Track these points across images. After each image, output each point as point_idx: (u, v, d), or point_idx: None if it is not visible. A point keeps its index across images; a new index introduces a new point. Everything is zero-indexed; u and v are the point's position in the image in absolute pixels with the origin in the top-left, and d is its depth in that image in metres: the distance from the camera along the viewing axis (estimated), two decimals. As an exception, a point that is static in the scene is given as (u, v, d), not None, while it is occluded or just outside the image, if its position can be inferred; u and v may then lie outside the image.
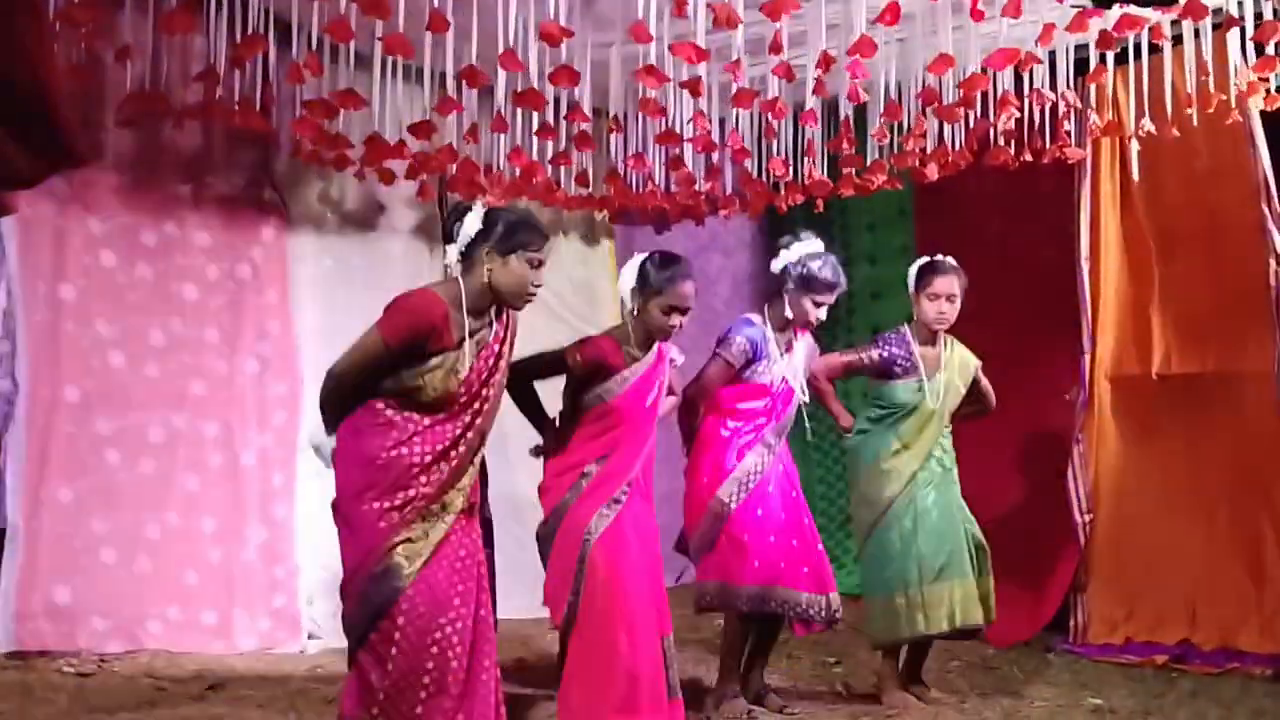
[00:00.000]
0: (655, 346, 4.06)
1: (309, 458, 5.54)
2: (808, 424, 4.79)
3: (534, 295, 3.40)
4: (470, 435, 3.33)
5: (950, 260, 4.79)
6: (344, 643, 3.36)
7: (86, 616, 5.02)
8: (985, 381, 4.94)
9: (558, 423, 4.05)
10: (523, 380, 3.90)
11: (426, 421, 3.27)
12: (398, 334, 3.25)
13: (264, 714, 4.29)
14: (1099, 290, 5.89)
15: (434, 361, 3.25)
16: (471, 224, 3.35)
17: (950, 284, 4.72)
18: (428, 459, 3.25)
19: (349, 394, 3.31)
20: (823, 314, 4.54)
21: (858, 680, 5.03)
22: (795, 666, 5.32)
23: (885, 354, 4.79)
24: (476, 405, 3.34)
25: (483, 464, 3.55)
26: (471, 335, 3.31)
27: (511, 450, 5.13)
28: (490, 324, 3.40)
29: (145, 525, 5.25)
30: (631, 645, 3.76)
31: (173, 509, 5.34)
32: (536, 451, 4.07)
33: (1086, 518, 5.83)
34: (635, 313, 4.02)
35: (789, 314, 4.55)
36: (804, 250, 4.53)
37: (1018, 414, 6.10)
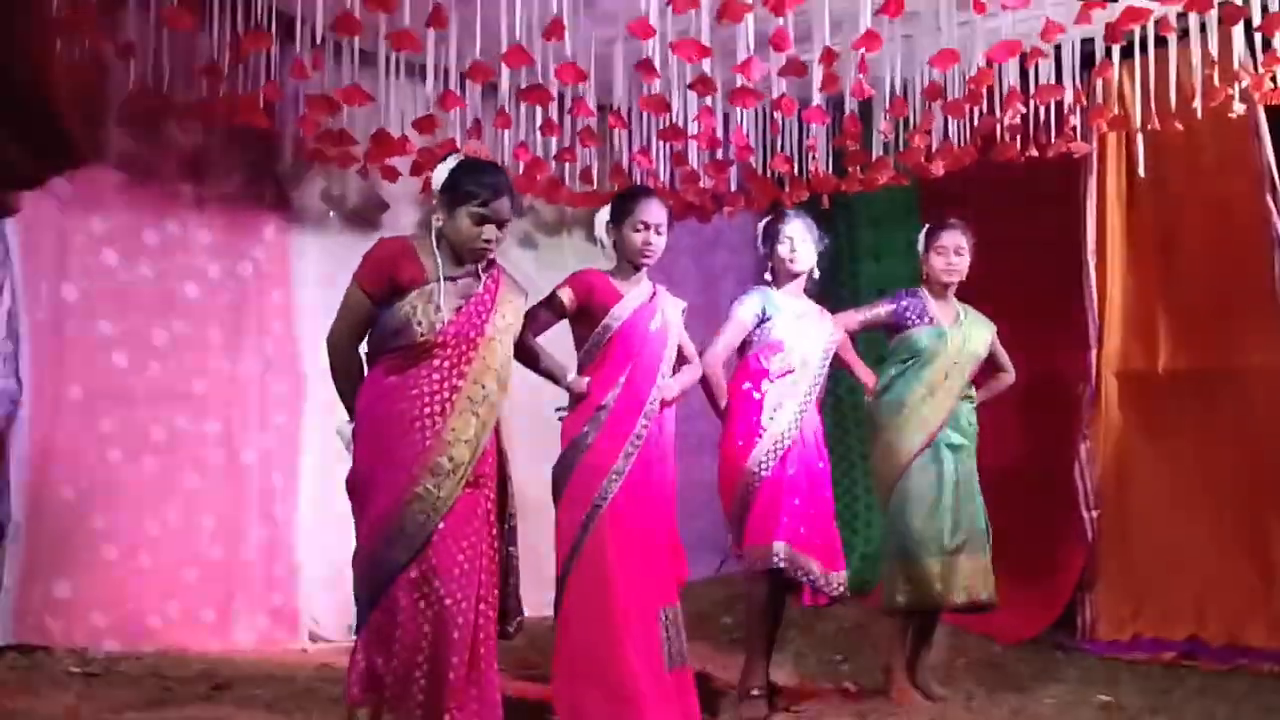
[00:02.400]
0: (647, 280, 4.09)
1: (311, 458, 5.64)
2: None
3: (486, 249, 3.42)
4: (465, 384, 3.38)
5: (955, 220, 4.86)
6: (349, 642, 3.38)
7: (86, 611, 5.08)
8: (1002, 350, 4.96)
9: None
10: (526, 341, 3.84)
11: (422, 373, 3.35)
12: (368, 277, 3.40)
13: (271, 714, 4.31)
14: (1105, 285, 5.92)
15: (412, 295, 3.35)
16: (437, 175, 3.47)
17: (956, 238, 4.80)
18: (425, 409, 3.33)
19: (348, 356, 3.45)
20: (799, 248, 4.55)
21: (865, 678, 5.04)
22: (802, 664, 5.33)
23: (896, 306, 4.83)
24: (467, 351, 3.39)
25: (502, 465, 3.58)
26: (449, 279, 3.39)
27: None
28: (477, 275, 3.46)
29: (146, 522, 5.31)
30: (622, 624, 3.79)
31: (173, 507, 5.40)
32: (562, 413, 4.08)
33: (1094, 514, 5.86)
34: (615, 245, 4.07)
35: (775, 269, 4.63)
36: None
37: (1024, 409, 6.15)
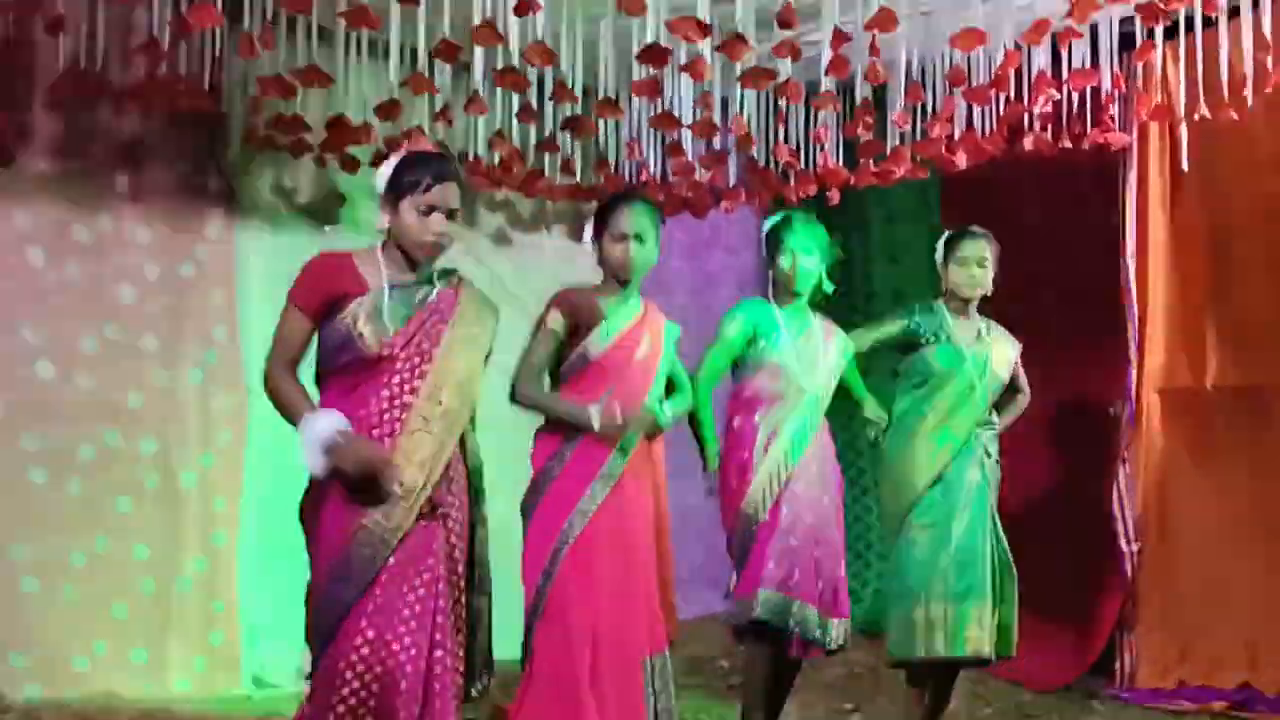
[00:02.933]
0: (636, 298, 4.05)
1: (256, 481, 5.63)
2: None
3: (436, 244, 3.38)
4: (417, 400, 3.34)
5: (978, 228, 4.85)
6: (299, 688, 3.38)
7: (3, 652, 5.05)
8: (1021, 369, 4.93)
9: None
10: (528, 392, 3.88)
11: (370, 389, 3.32)
12: (302, 293, 3.35)
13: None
14: (1146, 293, 5.93)
15: (353, 305, 3.31)
16: (379, 178, 3.45)
17: (980, 248, 4.78)
18: (372, 429, 3.30)
19: (288, 385, 3.36)
20: (803, 266, 4.50)
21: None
22: (809, 714, 5.34)
23: (909, 323, 4.83)
24: (421, 364, 3.36)
25: (474, 501, 3.58)
26: (396, 286, 3.36)
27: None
28: (430, 281, 3.44)
29: (71, 552, 5.28)
30: (584, 681, 3.75)
31: (102, 534, 5.37)
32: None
33: (1134, 547, 5.86)
34: (599, 259, 4.04)
35: (776, 282, 4.60)
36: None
37: (1057, 431, 6.19)
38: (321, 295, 3.34)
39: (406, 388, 3.35)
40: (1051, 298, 6.21)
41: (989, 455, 4.77)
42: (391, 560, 3.28)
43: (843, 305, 6.82)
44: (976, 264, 4.76)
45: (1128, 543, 5.87)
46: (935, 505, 4.66)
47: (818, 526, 4.48)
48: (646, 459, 3.99)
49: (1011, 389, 4.92)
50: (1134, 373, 5.94)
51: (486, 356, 3.51)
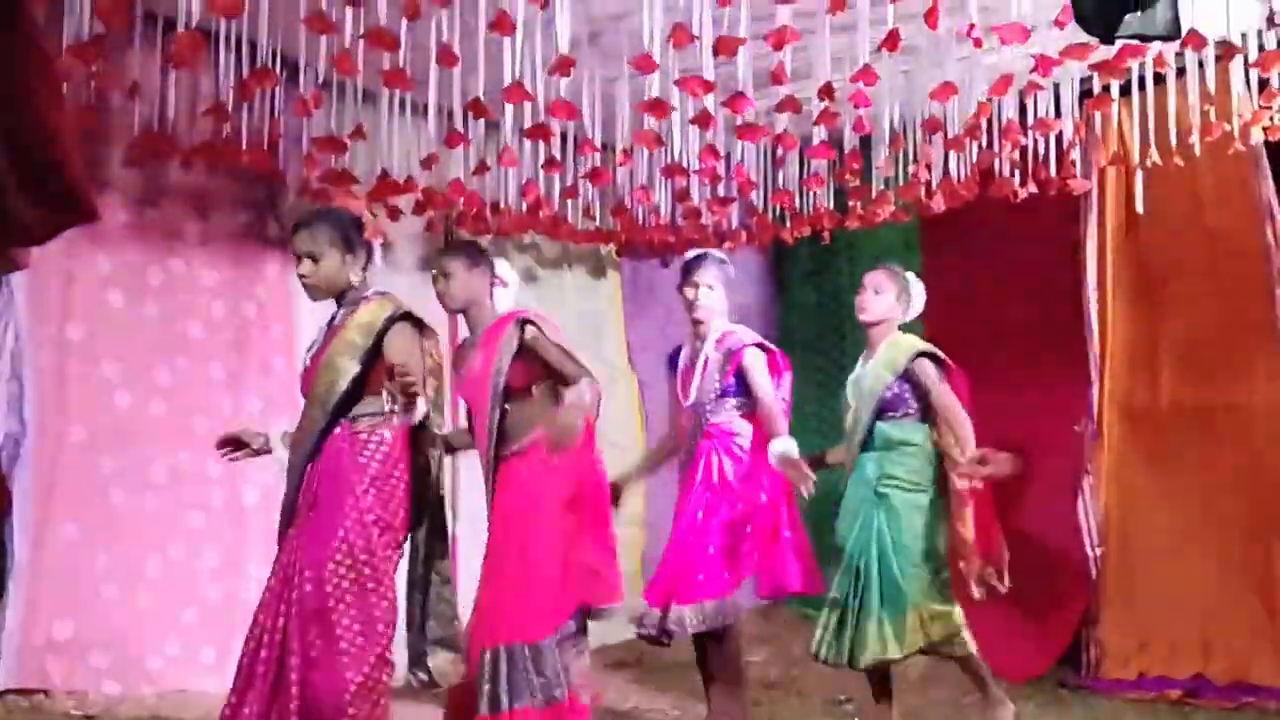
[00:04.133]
0: (482, 328, 4.05)
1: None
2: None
3: (306, 289, 3.76)
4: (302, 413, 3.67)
5: (888, 265, 4.78)
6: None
7: (86, 652, 5.03)
8: (931, 380, 4.51)
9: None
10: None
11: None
12: None
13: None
14: (1106, 321, 5.93)
15: None
16: None
17: (875, 278, 4.66)
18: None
19: None
20: (692, 296, 4.67)
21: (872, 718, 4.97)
22: (805, 703, 5.29)
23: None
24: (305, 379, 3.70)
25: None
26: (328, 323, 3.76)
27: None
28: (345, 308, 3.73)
29: (147, 562, 5.27)
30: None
31: (175, 546, 5.37)
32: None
33: (1097, 550, 5.83)
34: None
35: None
36: None
37: (1027, 446, 6.09)
38: None
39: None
40: (1022, 327, 6.20)
41: (876, 477, 4.53)
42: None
43: (832, 338, 6.81)
44: (873, 290, 4.66)
45: (1092, 547, 5.85)
46: (842, 521, 4.63)
47: (678, 530, 4.63)
48: (516, 470, 3.91)
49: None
50: (1096, 394, 5.93)
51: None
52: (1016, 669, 5.65)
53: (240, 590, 5.49)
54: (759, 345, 4.68)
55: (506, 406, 3.89)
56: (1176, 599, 5.59)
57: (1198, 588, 5.53)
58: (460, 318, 4.12)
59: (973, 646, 4.53)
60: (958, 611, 4.49)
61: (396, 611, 3.56)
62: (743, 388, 4.61)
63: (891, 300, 4.62)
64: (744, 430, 4.62)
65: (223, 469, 5.48)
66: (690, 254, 4.80)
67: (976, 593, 4.48)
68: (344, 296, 3.73)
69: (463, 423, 4.29)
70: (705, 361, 4.63)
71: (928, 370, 4.50)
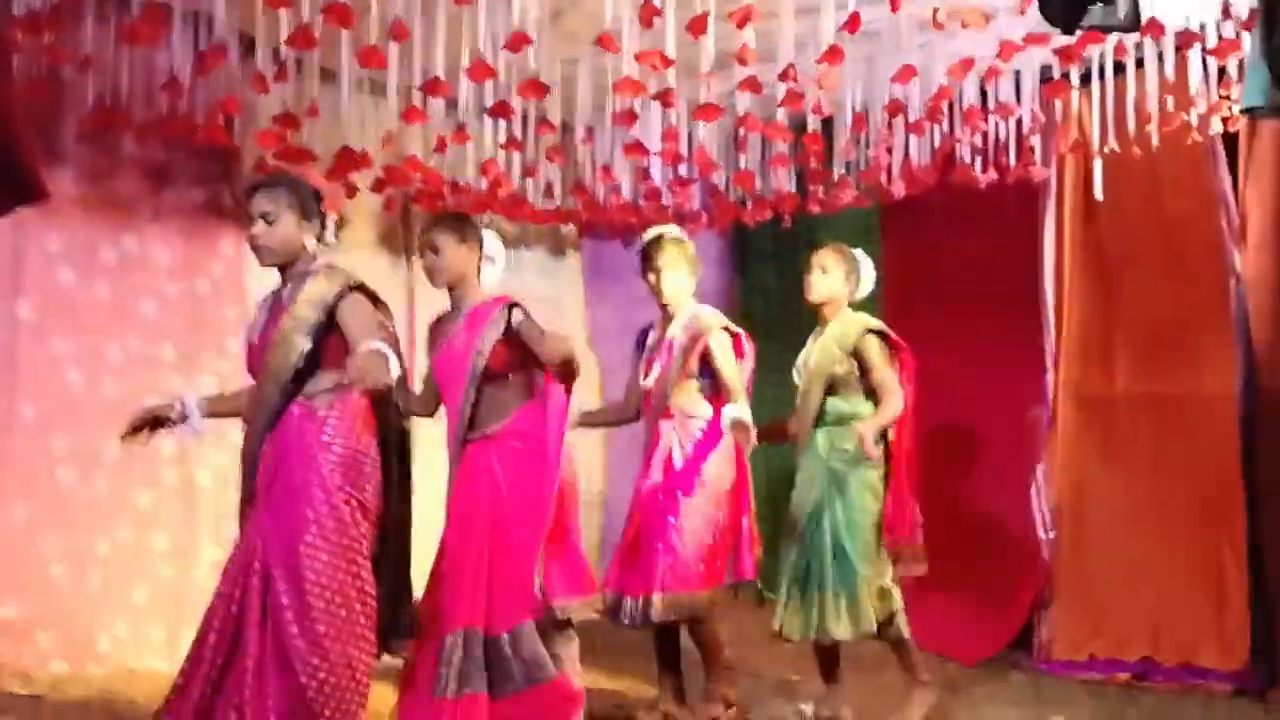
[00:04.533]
0: (460, 300, 4.06)
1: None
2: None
3: (256, 250, 3.64)
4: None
5: (833, 243, 4.83)
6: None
7: (32, 632, 4.96)
8: (873, 361, 4.61)
9: None
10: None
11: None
12: None
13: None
14: (1062, 309, 5.92)
15: None
16: None
17: (820, 257, 4.71)
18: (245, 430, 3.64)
19: None
20: (654, 282, 4.67)
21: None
22: (758, 685, 5.30)
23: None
24: (255, 364, 3.61)
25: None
26: (274, 298, 3.66)
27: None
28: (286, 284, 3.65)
29: (97, 542, 5.20)
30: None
31: (125, 526, 5.30)
32: None
33: (1050, 535, 5.85)
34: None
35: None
36: None
37: (982, 431, 6.21)
38: None
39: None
40: (980, 314, 6.19)
41: (825, 451, 4.63)
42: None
43: (792, 321, 6.82)
44: (819, 269, 4.71)
45: (1045, 531, 5.86)
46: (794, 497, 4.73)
47: (641, 516, 4.60)
48: (482, 452, 3.91)
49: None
50: (1050, 380, 5.93)
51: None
52: (969, 651, 5.71)
53: (192, 570, 5.44)
54: (724, 328, 4.67)
55: (481, 389, 3.87)
56: (1127, 583, 5.61)
57: (1147, 573, 5.56)
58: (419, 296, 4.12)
59: (907, 631, 4.62)
60: (897, 593, 4.59)
61: (375, 593, 3.50)
62: (707, 369, 4.61)
63: (840, 279, 4.69)
64: (705, 413, 4.62)
65: (174, 449, 5.45)
66: (648, 234, 4.75)
67: (900, 573, 4.60)
68: (291, 268, 3.64)
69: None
70: (670, 344, 4.63)
71: (873, 347, 4.60)
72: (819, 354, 4.66)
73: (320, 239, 3.67)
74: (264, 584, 3.37)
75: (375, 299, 3.63)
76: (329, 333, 3.52)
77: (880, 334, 4.65)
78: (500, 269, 4.19)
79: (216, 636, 3.38)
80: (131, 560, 5.29)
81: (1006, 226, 6.09)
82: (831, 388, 4.64)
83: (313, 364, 3.53)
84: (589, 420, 4.90)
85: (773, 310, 7.02)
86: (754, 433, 4.39)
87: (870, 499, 4.58)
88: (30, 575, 4.98)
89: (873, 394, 4.62)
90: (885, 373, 4.59)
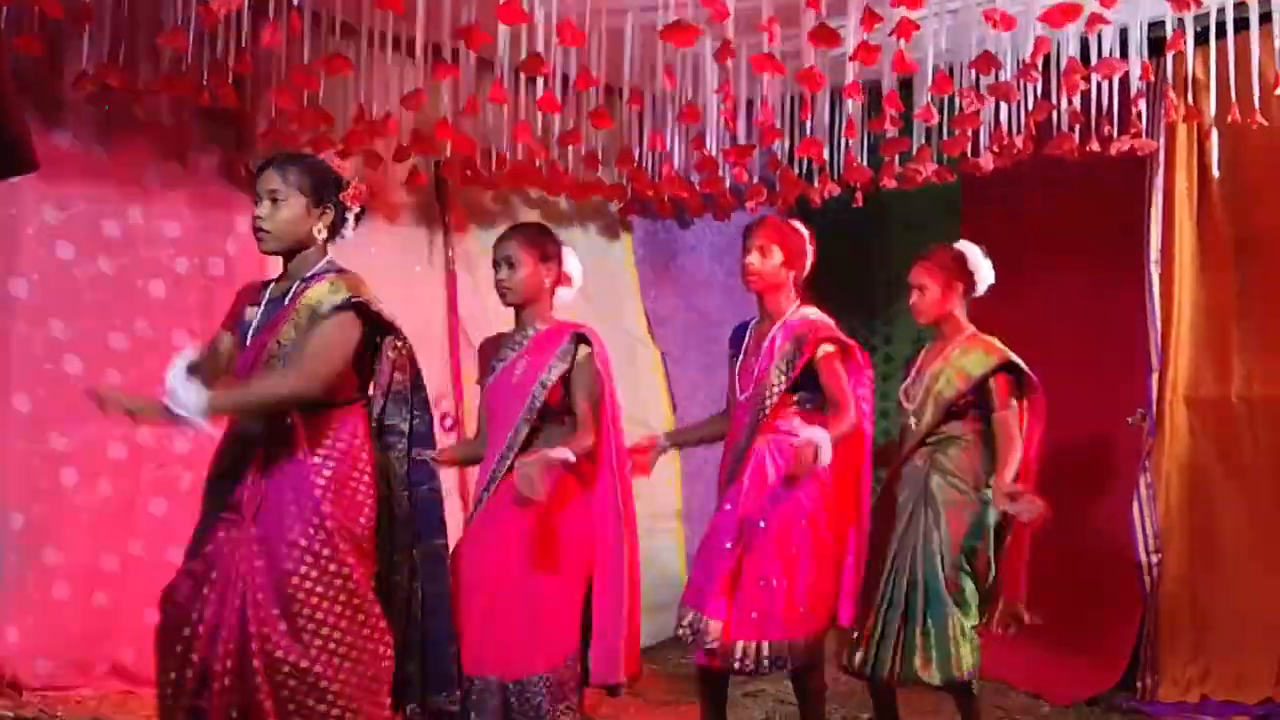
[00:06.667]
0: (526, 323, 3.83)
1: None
2: None
3: (258, 233, 3.23)
4: None
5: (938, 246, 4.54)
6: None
7: (30, 660, 4.62)
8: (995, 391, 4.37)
9: None
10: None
11: None
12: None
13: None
14: (1171, 300, 5.45)
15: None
16: None
17: (918, 275, 4.46)
18: (221, 446, 3.28)
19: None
20: (744, 261, 4.19)
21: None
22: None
23: None
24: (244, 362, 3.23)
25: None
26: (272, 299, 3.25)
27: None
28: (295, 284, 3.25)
29: (104, 556, 4.84)
30: None
31: (136, 537, 4.92)
32: None
33: (1154, 558, 5.38)
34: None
35: None
36: None
37: (1076, 440, 5.60)
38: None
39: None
40: (1074, 304, 5.85)
41: (928, 473, 4.39)
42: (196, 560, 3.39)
43: (861, 313, 6.36)
44: (916, 290, 4.46)
45: (1147, 553, 5.39)
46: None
47: (711, 535, 4.21)
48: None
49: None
50: (1156, 381, 5.46)
51: None
52: (1063, 690, 5.30)
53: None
54: (835, 339, 4.17)
55: (536, 426, 3.69)
56: (1247, 614, 5.16)
57: (1271, 602, 5.09)
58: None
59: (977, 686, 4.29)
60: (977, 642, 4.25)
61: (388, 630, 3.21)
62: (811, 382, 4.09)
63: (938, 293, 4.42)
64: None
65: (189, 447, 4.97)
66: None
67: (997, 629, 4.36)
68: (294, 261, 3.26)
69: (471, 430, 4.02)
70: (772, 348, 4.13)
71: (1000, 389, 4.32)
72: (940, 381, 4.37)
73: (338, 233, 3.32)
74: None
75: (378, 319, 3.24)
76: None
77: (1012, 369, 4.34)
78: (574, 292, 3.97)
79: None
80: (143, 575, 4.71)
81: (1107, 206, 5.68)
82: (945, 416, 4.38)
83: None
84: (678, 440, 4.59)
85: (842, 299, 6.54)
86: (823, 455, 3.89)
87: (965, 525, 4.28)
88: (31, 595, 4.66)
89: (987, 420, 4.34)
90: (1008, 419, 4.31)
